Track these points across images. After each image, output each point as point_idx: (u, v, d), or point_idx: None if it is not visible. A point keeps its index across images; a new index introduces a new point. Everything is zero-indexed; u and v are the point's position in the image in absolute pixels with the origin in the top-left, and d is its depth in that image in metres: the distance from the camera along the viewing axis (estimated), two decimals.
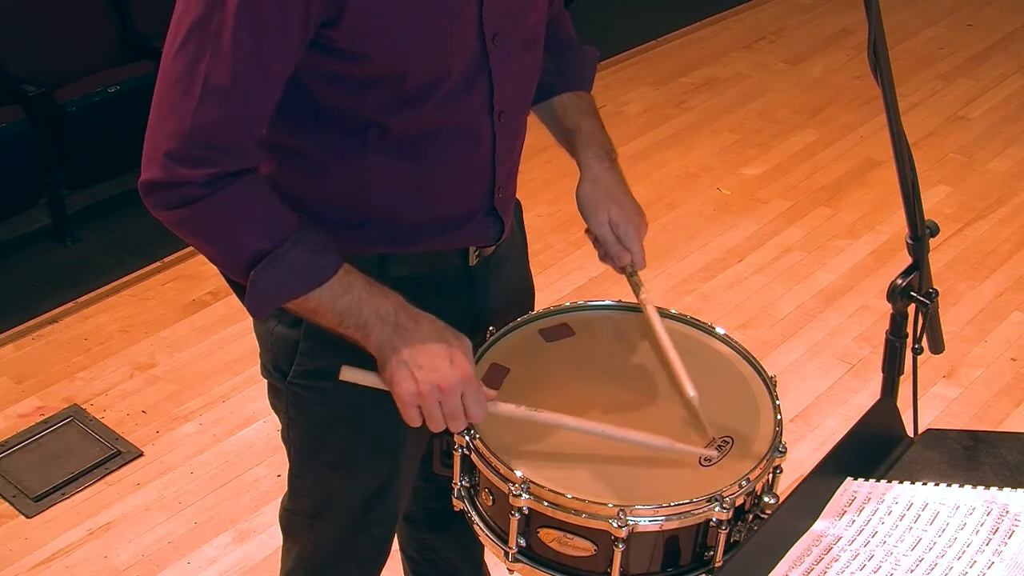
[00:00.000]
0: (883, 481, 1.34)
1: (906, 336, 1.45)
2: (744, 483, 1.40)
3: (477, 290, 1.65)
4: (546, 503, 1.39)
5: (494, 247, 1.64)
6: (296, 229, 1.39)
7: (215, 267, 1.44)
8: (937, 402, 3.10)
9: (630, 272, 1.67)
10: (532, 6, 1.52)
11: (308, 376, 1.61)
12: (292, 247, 1.38)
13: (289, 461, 1.74)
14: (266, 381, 1.70)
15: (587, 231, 1.69)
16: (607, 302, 1.72)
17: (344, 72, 1.39)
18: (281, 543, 1.87)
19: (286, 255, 1.38)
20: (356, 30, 1.34)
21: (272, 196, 1.41)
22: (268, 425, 2.99)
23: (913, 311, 1.43)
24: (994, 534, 1.22)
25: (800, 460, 2.60)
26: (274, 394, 1.71)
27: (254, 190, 1.38)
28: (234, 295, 1.45)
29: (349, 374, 1.46)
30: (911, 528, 1.25)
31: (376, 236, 1.53)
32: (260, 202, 1.39)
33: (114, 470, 2.88)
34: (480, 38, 1.44)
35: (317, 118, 1.44)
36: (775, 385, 1.55)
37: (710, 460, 1.45)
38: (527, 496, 1.39)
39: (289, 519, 1.81)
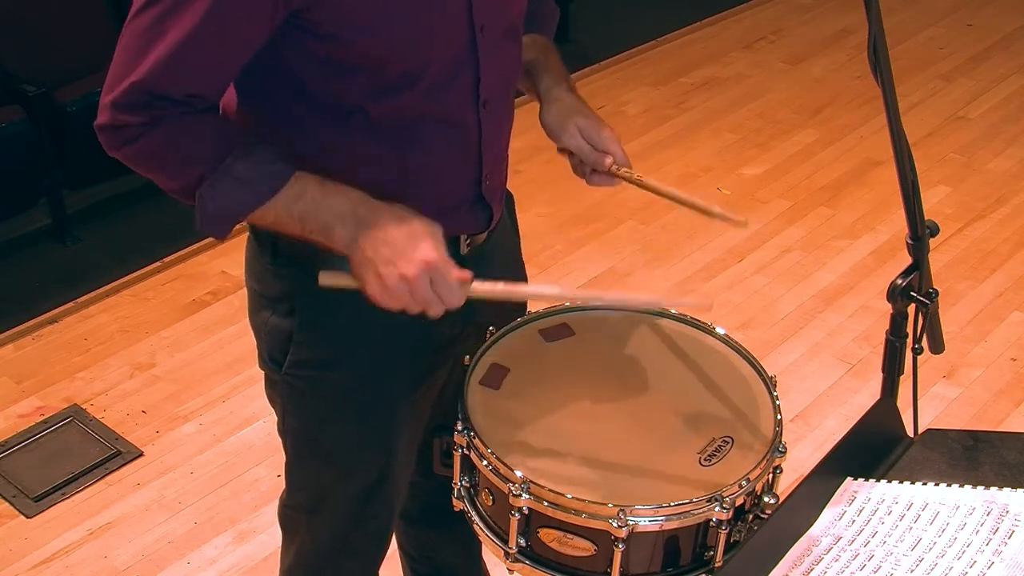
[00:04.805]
0: (883, 481, 1.34)
1: (906, 336, 1.45)
2: (744, 483, 1.40)
3: None
4: (546, 503, 1.39)
5: (485, 235, 1.64)
6: (241, 144, 1.39)
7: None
8: (937, 402, 3.10)
9: (616, 169, 1.62)
10: None
11: (303, 366, 1.60)
12: (236, 160, 1.37)
13: (286, 455, 1.74)
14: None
15: (560, 150, 1.66)
16: None
17: (327, 53, 1.39)
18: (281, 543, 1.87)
19: (231, 168, 1.37)
20: (336, 16, 1.35)
21: (216, 120, 1.41)
22: (268, 425, 2.98)
23: (913, 311, 1.42)
24: (994, 534, 1.22)
25: (800, 460, 2.59)
26: (270, 386, 1.70)
27: (198, 119, 1.38)
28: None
29: (327, 278, 1.41)
30: (911, 528, 1.25)
31: None
32: (204, 127, 1.39)
33: (114, 470, 2.87)
34: (470, 28, 1.44)
35: (302, 103, 1.45)
36: (775, 385, 1.55)
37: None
38: (527, 496, 1.39)
39: (287, 515, 1.81)
